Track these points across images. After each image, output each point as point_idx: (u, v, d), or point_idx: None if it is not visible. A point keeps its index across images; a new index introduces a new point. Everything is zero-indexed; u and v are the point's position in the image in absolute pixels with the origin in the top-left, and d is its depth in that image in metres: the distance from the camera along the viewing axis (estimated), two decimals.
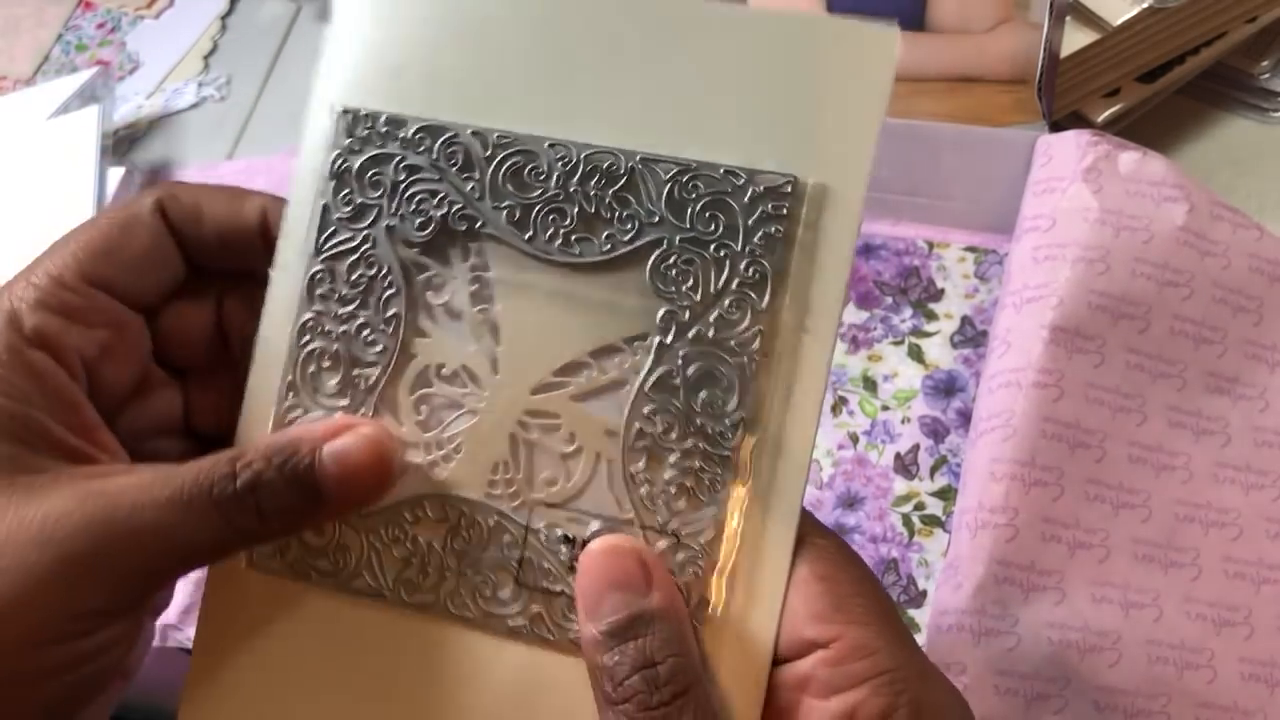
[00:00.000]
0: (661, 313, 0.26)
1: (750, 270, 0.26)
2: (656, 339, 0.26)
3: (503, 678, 0.26)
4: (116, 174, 0.63)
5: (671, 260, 0.26)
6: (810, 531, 0.26)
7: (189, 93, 0.72)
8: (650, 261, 0.26)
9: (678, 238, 0.26)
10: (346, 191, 0.28)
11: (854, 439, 0.49)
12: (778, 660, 0.25)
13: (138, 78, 0.75)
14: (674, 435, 0.26)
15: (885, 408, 0.49)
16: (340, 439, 0.25)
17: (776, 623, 0.25)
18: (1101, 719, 0.40)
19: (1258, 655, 0.41)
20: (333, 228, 0.28)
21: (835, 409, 0.49)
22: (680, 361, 0.26)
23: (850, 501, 0.47)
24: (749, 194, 0.26)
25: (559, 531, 0.26)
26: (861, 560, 0.26)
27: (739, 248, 0.26)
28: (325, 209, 0.28)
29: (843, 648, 0.24)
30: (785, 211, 0.25)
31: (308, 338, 0.28)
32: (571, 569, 0.26)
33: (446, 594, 0.27)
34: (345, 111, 0.28)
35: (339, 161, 0.28)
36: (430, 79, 0.28)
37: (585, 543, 0.26)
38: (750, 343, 0.26)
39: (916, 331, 0.51)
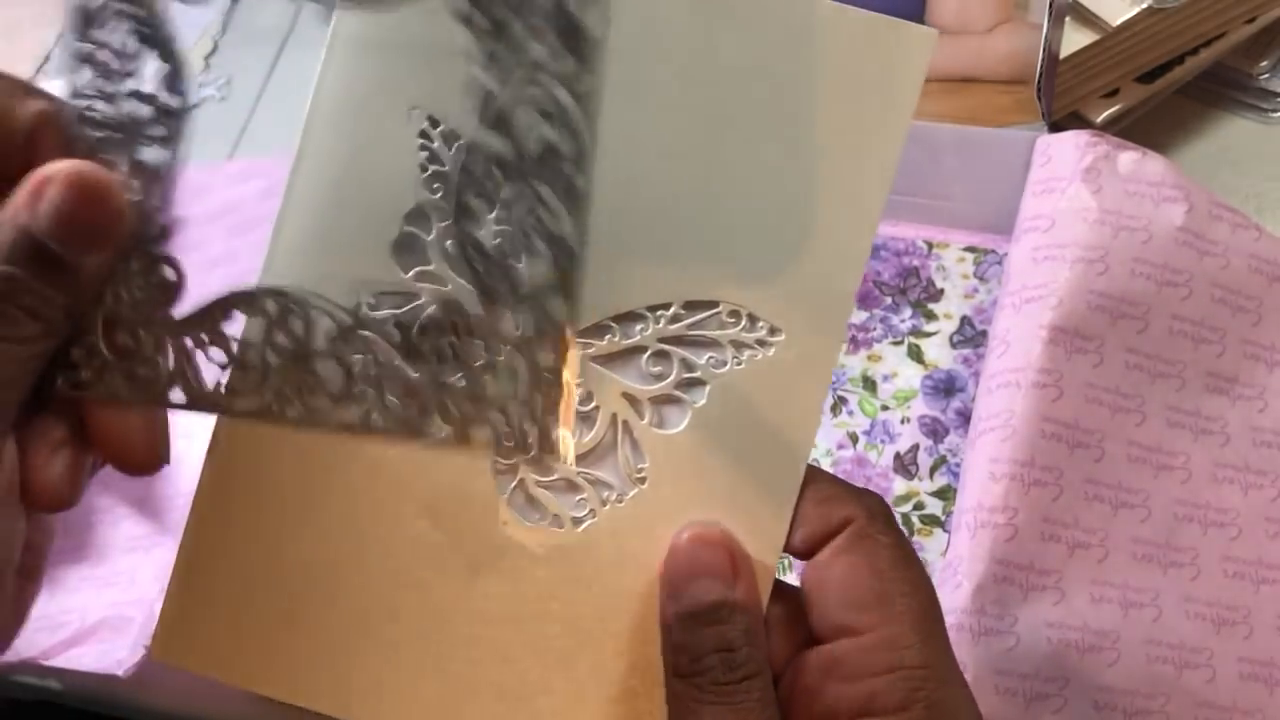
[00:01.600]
0: None
1: None
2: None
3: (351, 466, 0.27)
4: None
5: None
6: (877, 529, 0.26)
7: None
8: None
9: None
10: None
11: (853, 439, 0.49)
12: (814, 640, 0.26)
13: None
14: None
15: (885, 408, 0.49)
16: (45, 197, 0.23)
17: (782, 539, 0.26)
18: (1101, 718, 0.40)
19: (1257, 655, 0.41)
20: None
21: (835, 409, 0.49)
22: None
23: None
24: None
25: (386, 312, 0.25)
26: (920, 565, 0.27)
27: None
28: None
29: (875, 638, 0.25)
30: None
31: None
32: (409, 353, 0.24)
33: (272, 395, 0.24)
34: None
35: None
36: None
37: (422, 328, 0.24)
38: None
39: (916, 331, 0.51)
